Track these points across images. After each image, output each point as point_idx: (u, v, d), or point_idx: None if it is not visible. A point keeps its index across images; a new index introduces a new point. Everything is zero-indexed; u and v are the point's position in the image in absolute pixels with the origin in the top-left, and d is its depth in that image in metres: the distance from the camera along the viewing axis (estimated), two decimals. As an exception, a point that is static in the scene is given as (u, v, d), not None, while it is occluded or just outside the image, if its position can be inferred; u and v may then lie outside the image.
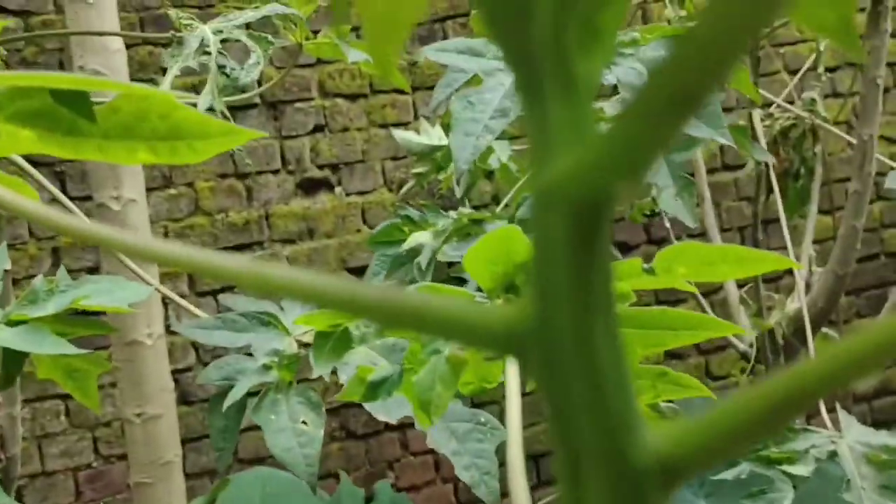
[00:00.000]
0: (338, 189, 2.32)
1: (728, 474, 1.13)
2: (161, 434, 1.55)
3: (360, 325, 0.67)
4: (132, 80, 1.61)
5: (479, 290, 0.53)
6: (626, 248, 2.58)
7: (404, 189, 1.55)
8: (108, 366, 0.93)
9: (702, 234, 1.73)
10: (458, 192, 1.36)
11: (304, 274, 0.19)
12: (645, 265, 0.49)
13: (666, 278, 0.49)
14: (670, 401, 0.56)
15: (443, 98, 0.93)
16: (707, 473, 1.35)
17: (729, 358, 2.54)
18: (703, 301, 1.75)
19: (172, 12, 0.97)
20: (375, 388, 0.58)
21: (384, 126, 2.36)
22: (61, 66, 2.14)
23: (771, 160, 1.39)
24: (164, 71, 2.18)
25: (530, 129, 0.16)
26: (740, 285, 1.76)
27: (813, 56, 1.80)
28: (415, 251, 1.17)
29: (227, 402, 0.83)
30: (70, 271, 2.11)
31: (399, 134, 1.37)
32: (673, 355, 2.59)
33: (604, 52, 0.15)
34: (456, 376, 0.52)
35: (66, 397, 2.12)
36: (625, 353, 0.16)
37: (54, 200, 1.81)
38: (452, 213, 1.40)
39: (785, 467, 1.08)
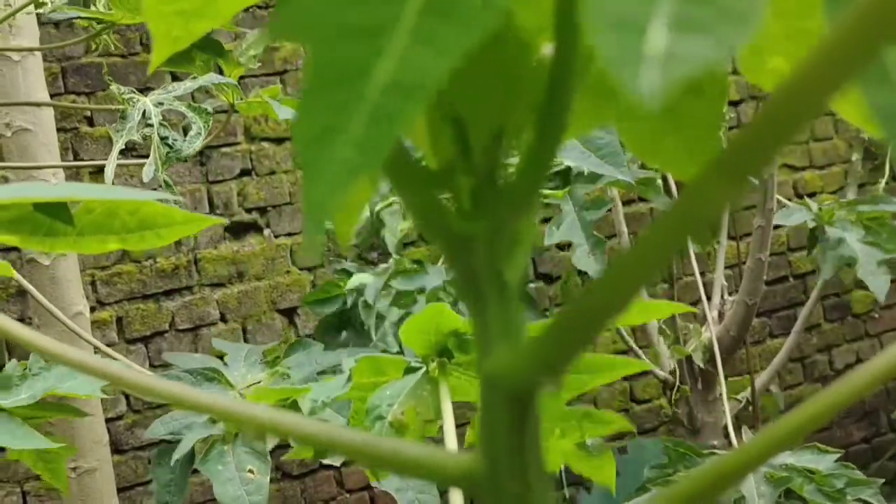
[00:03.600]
0: (266, 231, 2.35)
1: (641, 500, 1.19)
2: (98, 487, 1.55)
3: (309, 400, 0.71)
4: (57, 129, 1.62)
5: (416, 356, 0.58)
6: (549, 279, 2.66)
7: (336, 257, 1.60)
8: (77, 450, 0.94)
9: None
10: (393, 243, 1.41)
11: (288, 415, 0.24)
12: None
13: None
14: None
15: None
16: (616, 501, 1.42)
17: (651, 382, 2.63)
18: (624, 333, 1.82)
19: (114, 87, 1.00)
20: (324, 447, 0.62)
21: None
22: (-18, 118, 2.12)
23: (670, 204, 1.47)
24: (88, 120, 2.18)
25: (474, 326, 0.22)
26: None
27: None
28: (345, 313, 1.21)
29: (176, 455, 0.86)
30: None
31: (330, 224, 1.43)
32: (598, 381, 2.67)
33: (522, 257, 0.21)
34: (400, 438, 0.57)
35: (-7, 452, 2.09)
36: (551, 491, 0.22)
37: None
38: (382, 265, 1.44)
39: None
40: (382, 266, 1.43)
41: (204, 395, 0.25)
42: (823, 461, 1.19)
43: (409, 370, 0.57)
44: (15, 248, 1.50)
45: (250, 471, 0.86)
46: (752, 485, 1.16)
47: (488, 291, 0.21)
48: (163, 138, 0.91)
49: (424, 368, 0.57)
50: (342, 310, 1.29)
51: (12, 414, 0.72)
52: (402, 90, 0.15)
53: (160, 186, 1.31)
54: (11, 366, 0.78)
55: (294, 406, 0.70)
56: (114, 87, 0.99)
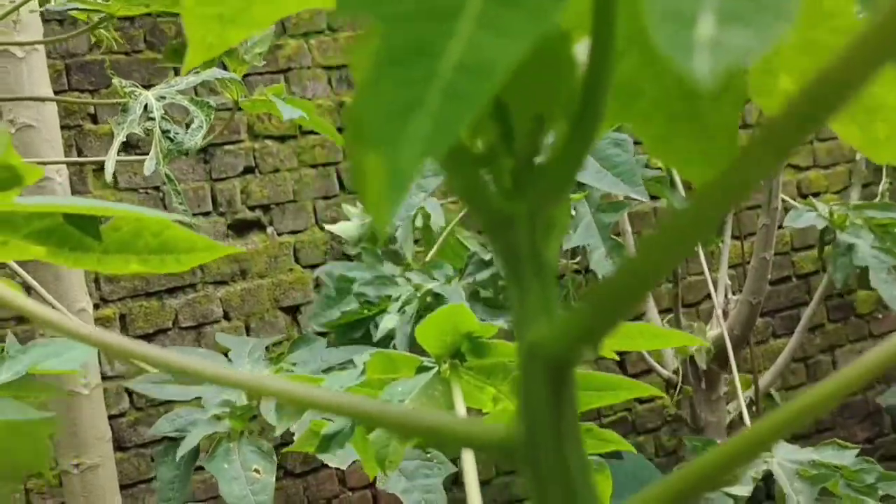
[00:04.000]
0: (269, 229, 2.35)
1: (635, 498, 1.19)
2: (100, 484, 1.55)
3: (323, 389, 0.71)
4: (61, 127, 1.62)
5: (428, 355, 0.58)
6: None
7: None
8: (56, 426, 0.94)
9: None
10: (406, 251, 1.41)
11: (330, 393, 0.24)
12: None
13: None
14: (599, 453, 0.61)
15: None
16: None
17: (655, 382, 2.63)
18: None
19: (116, 80, 1.00)
20: (329, 441, 0.62)
21: (314, 166, 2.40)
22: (-14, 115, 2.12)
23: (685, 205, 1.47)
24: (91, 117, 2.19)
25: (513, 302, 0.23)
26: (661, 310, 1.84)
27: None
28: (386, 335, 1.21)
29: (180, 452, 0.86)
30: (2, 319, 2.08)
31: (335, 228, 1.42)
32: (601, 380, 2.67)
33: (559, 237, 0.22)
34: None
35: (-5, 448, 2.09)
36: (588, 461, 0.22)
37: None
38: (407, 278, 1.43)
39: (726, 489, 1.15)
40: (399, 292, 1.40)
41: (219, 368, 0.25)
42: (846, 457, 1.19)
43: (422, 369, 0.57)
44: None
45: (256, 470, 0.86)
46: (786, 481, 1.16)
47: (528, 268, 0.22)
48: (164, 132, 0.91)
49: (437, 368, 0.57)
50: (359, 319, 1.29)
51: None
52: (474, 71, 0.15)
53: (163, 183, 1.31)
54: (-10, 347, 0.78)
55: None
56: (116, 80, 0.99)
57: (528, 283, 0.21)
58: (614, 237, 1.20)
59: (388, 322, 1.22)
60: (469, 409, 0.55)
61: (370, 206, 0.17)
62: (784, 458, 1.19)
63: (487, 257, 1.45)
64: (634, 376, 2.73)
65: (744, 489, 1.14)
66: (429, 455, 0.89)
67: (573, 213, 1.25)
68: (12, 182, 0.32)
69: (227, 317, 2.30)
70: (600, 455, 0.60)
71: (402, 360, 0.59)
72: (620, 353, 2.41)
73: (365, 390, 0.59)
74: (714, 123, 0.28)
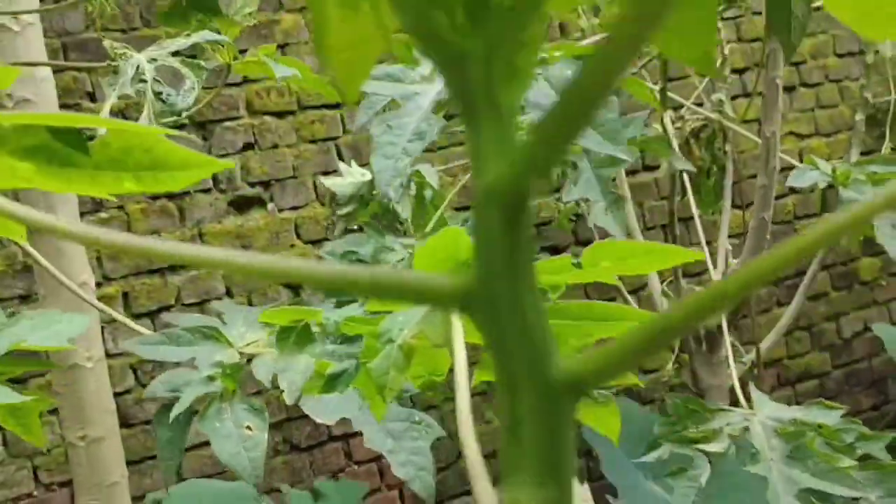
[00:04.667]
0: (270, 205, 2.35)
1: (651, 456, 1.19)
2: (105, 456, 1.56)
3: (323, 318, 0.71)
4: (60, 106, 1.62)
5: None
6: (555, 251, 2.65)
7: (336, 232, 1.59)
8: (50, 402, 0.95)
9: (626, 235, 1.80)
10: (404, 213, 1.41)
11: (271, 257, 0.24)
12: (574, 260, 0.55)
13: (592, 272, 0.55)
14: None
15: (364, 121, 0.98)
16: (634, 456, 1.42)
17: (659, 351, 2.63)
18: (628, 297, 1.82)
19: (107, 42, 1.00)
20: (334, 381, 0.63)
21: (314, 142, 2.40)
22: (-16, 95, 2.12)
23: (687, 167, 1.47)
24: (89, 96, 2.19)
25: (469, 145, 0.22)
26: (662, 280, 1.84)
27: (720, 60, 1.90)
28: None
29: (174, 412, 0.86)
30: (1, 300, 2.09)
31: (327, 182, 1.42)
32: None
33: (521, 84, 0.22)
34: (408, 362, 0.57)
35: (1, 427, 2.10)
36: (542, 304, 0.22)
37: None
38: (400, 241, 1.44)
39: (702, 446, 1.16)
40: (394, 256, 1.42)
41: (200, 249, 0.25)
42: (830, 417, 1.19)
43: None
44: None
45: (248, 427, 0.86)
46: (763, 438, 1.16)
47: (483, 110, 0.22)
48: (157, 94, 0.91)
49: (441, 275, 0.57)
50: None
51: None
52: None
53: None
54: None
55: (306, 328, 0.70)
56: (107, 42, 0.99)
57: (484, 124, 0.21)
58: (613, 191, 1.20)
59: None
60: (473, 345, 0.56)
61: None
62: (767, 417, 1.19)
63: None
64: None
65: (719, 446, 1.14)
66: (417, 419, 0.89)
67: (577, 167, 1.24)
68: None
69: (229, 293, 2.30)
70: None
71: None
72: None
73: (366, 329, 0.59)
74: (694, 1, 0.28)
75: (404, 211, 1.44)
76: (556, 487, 0.20)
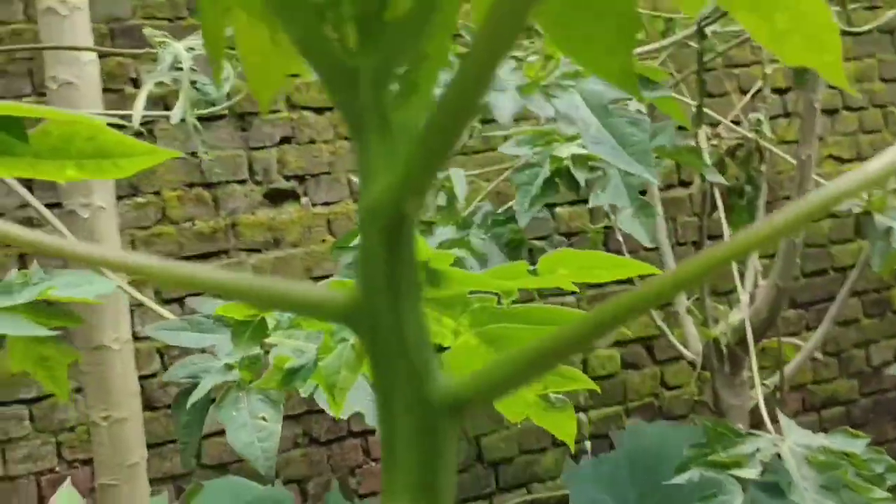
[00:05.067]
0: (304, 200, 2.37)
1: (680, 479, 1.18)
2: (127, 437, 1.58)
3: (275, 314, 0.73)
4: (103, 90, 1.65)
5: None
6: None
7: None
8: (78, 356, 0.97)
9: (655, 249, 1.80)
10: (427, 216, 1.42)
11: (176, 264, 0.24)
12: (530, 267, 0.55)
13: (549, 279, 0.55)
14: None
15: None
16: (661, 478, 1.41)
17: (683, 369, 2.61)
18: (655, 316, 1.81)
19: (148, 30, 1.02)
20: (292, 375, 0.63)
21: (349, 139, 2.41)
22: (31, 75, 2.17)
23: (718, 179, 1.46)
24: (133, 81, 2.22)
25: (358, 164, 0.23)
26: (689, 297, 1.83)
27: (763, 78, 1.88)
28: None
29: (192, 398, 0.87)
30: (37, 277, 2.12)
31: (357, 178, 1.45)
32: (630, 365, 2.66)
33: (421, 100, 0.22)
34: (360, 361, 0.58)
35: (30, 402, 2.14)
36: (425, 322, 0.22)
37: (25, 205, 1.84)
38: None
39: (734, 471, 1.15)
40: None
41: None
42: (856, 445, 1.18)
43: None
44: (57, 204, 1.53)
45: (262, 418, 0.87)
46: (794, 466, 1.15)
47: (371, 129, 0.21)
48: (192, 82, 0.93)
49: (330, 290, 0.57)
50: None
51: (14, 311, 0.74)
52: None
53: (196, 154, 1.34)
54: (13, 274, 0.80)
55: (262, 322, 0.72)
56: (147, 30, 1.01)
57: (372, 143, 0.21)
58: (641, 196, 1.20)
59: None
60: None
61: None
62: (796, 443, 1.18)
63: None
64: (663, 362, 2.71)
65: (751, 472, 1.13)
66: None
67: (601, 173, 1.24)
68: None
69: (258, 284, 2.32)
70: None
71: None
72: (647, 340, 2.39)
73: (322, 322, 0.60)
74: (609, 8, 0.26)
75: (426, 214, 1.45)
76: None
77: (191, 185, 2.25)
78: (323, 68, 0.22)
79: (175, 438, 2.19)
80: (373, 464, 2.39)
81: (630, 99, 1.03)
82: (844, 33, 1.48)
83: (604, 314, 0.21)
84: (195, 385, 0.93)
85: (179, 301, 2.25)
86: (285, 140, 2.36)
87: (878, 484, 1.12)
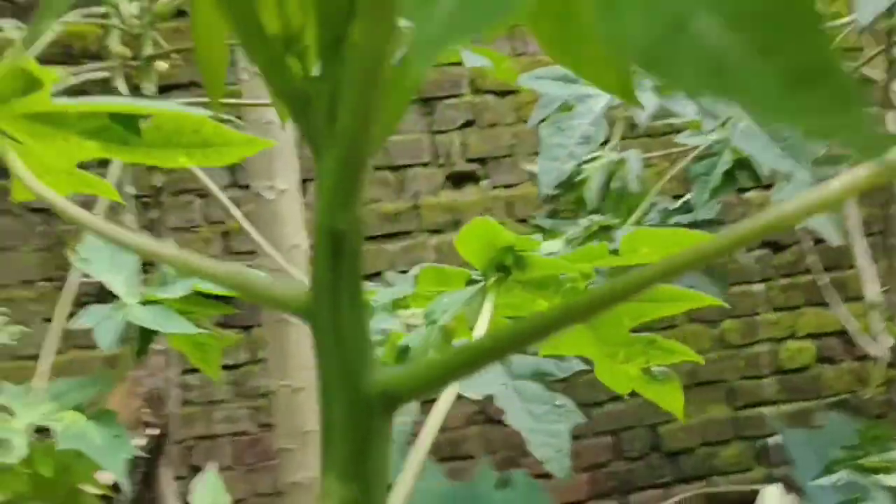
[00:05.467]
0: (484, 182, 2.41)
1: (826, 481, 1.13)
2: (303, 405, 1.69)
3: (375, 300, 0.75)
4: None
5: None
6: (777, 248, 2.53)
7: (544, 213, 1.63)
8: (231, 341, 1.06)
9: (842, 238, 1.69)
10: (593, 202, 1.42)
11: (167, 248, 0.27)
12: (611, 246, 0.56)
13: (631, 257, 0.55)
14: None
15: (537, 121, 0.99)
16: (807, 478, 1.33)
17: (853, 369, 2.44)
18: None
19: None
20: (403, 354, 0.66)
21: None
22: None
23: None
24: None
25: (315, 177, 0.25)
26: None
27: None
28: None
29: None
30: (237, 253, 2.30)
31: (532, 168, 1.45)
32: (826, 360, 2.52)
33: (387, 127, 0.23)
34: (447, 344, 0.60)
35: (233, 368, 2.32)
36: (365, 320, 0.24)
37: (227, 187, 1.98)
38: (583, 222, 1.45)
39: (881, 477, 1.08)
40: (573, 229, 1.43)
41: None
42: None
43: (472, 282, 0.60)
44: (245, 186, 1.66)
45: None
46: None
47: (324, 150, 0.24)
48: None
49: (483, 282, 0.59)
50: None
51: (167, 306, 0.82)
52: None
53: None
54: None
55: None
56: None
57: (325, 163, 0.23)
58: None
59: (549, 246, 1.23)
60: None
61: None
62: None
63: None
64: (862, 359, 2.54)
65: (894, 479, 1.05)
66: (559, 403, 0.90)
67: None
68: (32, 86, 0.38)
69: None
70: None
71: (453, 275, 0.61)
72: (845, 334, 2.21)
73: (418, 303, 0.62)
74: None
75: (592, 201, 1.44)
76: (359, 488, 0.22)
77: (376, 168, 2.35)
78: (284, 94, 0.25)
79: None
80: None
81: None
82: None
83: (557, 311, 0.22)
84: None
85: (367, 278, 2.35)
86: (468, 124, 2.40)
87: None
